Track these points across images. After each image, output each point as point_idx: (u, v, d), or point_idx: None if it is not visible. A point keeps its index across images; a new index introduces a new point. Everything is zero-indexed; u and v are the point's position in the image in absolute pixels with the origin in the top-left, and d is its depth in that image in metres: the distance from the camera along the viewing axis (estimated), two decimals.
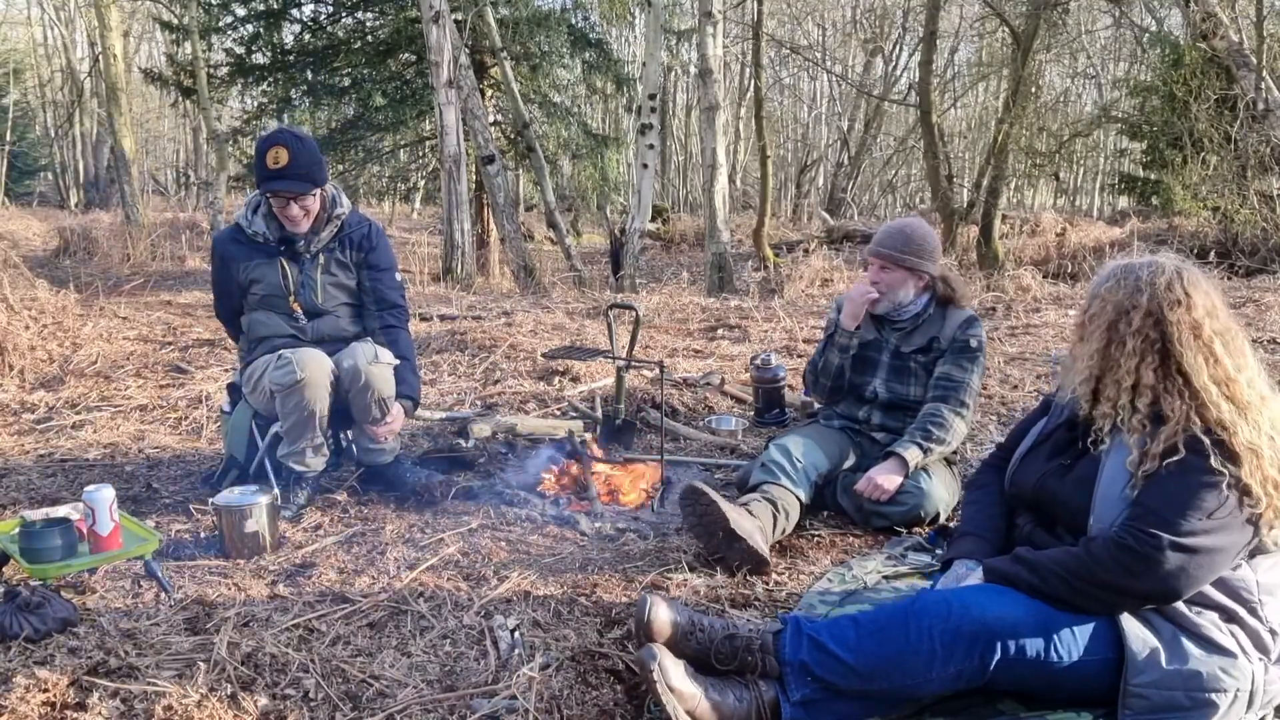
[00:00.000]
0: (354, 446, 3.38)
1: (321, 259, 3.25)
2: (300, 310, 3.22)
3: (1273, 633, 1.85)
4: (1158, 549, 1.77)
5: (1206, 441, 1.79)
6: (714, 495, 2.66)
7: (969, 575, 2.06)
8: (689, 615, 1.98)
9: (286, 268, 3.21)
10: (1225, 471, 1.78)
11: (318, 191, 3.15)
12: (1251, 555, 1.88)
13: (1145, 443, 1.85)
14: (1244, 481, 1.78)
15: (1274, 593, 1.87)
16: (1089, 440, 2.00)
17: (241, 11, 14.05)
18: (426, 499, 3.24)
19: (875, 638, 1.86)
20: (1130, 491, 1.87)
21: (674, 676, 1.81)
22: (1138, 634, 1.83)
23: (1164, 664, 1.79)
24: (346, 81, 13.90)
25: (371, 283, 3.29)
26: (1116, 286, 1.93)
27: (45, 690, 1.90)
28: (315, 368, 2.98)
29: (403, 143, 15.12)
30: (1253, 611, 1.85)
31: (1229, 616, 1.85)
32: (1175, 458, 1.80)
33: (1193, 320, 1.86)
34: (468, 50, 10.90)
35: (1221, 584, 1.85)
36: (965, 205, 12.92)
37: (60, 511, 2.63)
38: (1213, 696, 1.78)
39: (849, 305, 3.21)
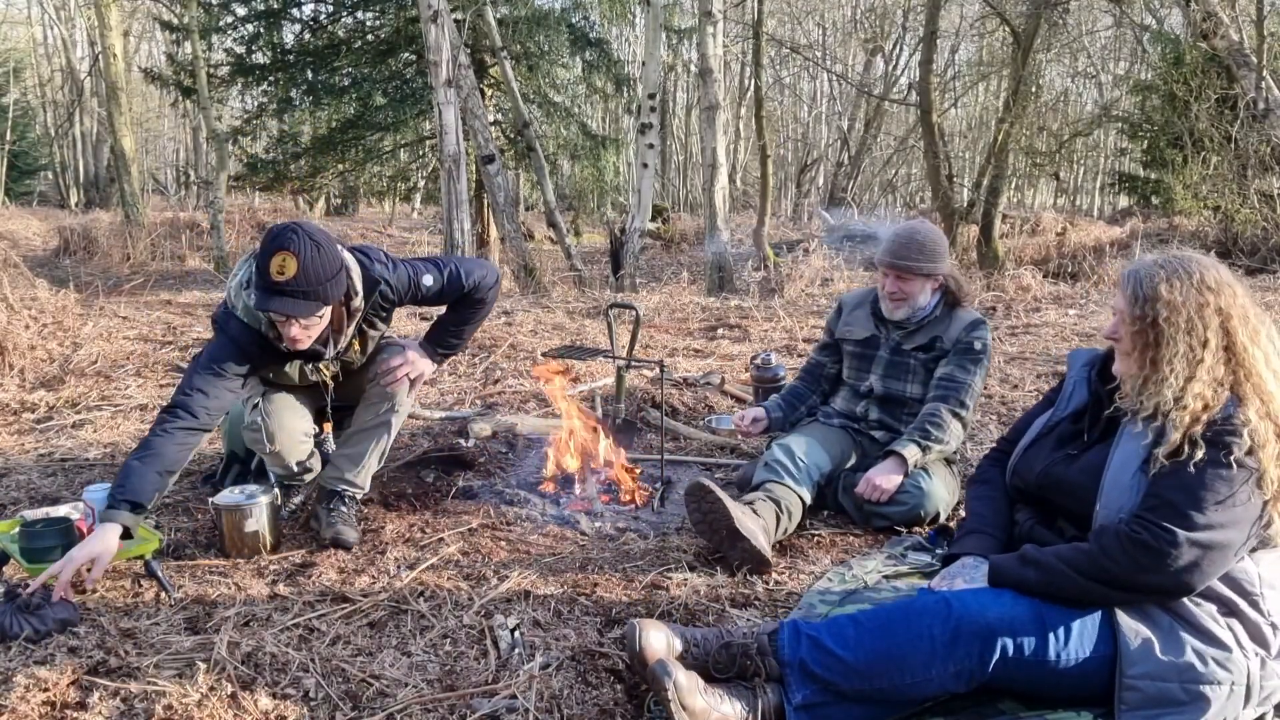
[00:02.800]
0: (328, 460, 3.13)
1: (355, 343, 2.92)
2: (334, 387, 3.02)
3: (1274, 626, 1.85)
4: (1173, 544, 1.77)
5: (1234, 430, 1.79)
6: (719, 493, 2.66)
7: (974, 575, 2.05)
8: (680, 633, 1.97)
9: (321, 368, 2.93)
10: (1243, 463, 1.78)
11: (324, 309, 2.61)
12: (1254, 549, 1.88)
13: (1180, 424, 1.82)
14: (1262, 469, 1.78)
15: (1276, 586, 1.87)
16: (1097, 429, 2.00)
17: (241, 11, 14.07)
18: (423, 503, 3.24)
19: (875, 636, 1.86)
20: (1140, 478, 1.87)
21: (686, 694, 1.81)
22: (1130, 625, 1.83)
23: (1158, 655, 1.80)
24: (347, 81, 13.91)
25: (431, 301, 3.00)
26: (1174, 286, 1.88)
27: (45, 690, 1.90)
28: (285, 437, 2.90)
29: (403, 142, 15.13)
30: (1254, 604, 1.85)
31: (1229, 609, 1.85)
32: (1200, 449, 1.79)
33: (1241, 310, 1.87)
34: (467, 50, 10.90)
35: (1224, 576, 1.85)
36: (965, 205, 12.92)
37: (60, 511, 2.63)
38: (1206, 689, 1.78)
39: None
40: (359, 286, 2.73)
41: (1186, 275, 1.89)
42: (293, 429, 2.92)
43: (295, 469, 3.03)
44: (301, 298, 2.51)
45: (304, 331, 2.62)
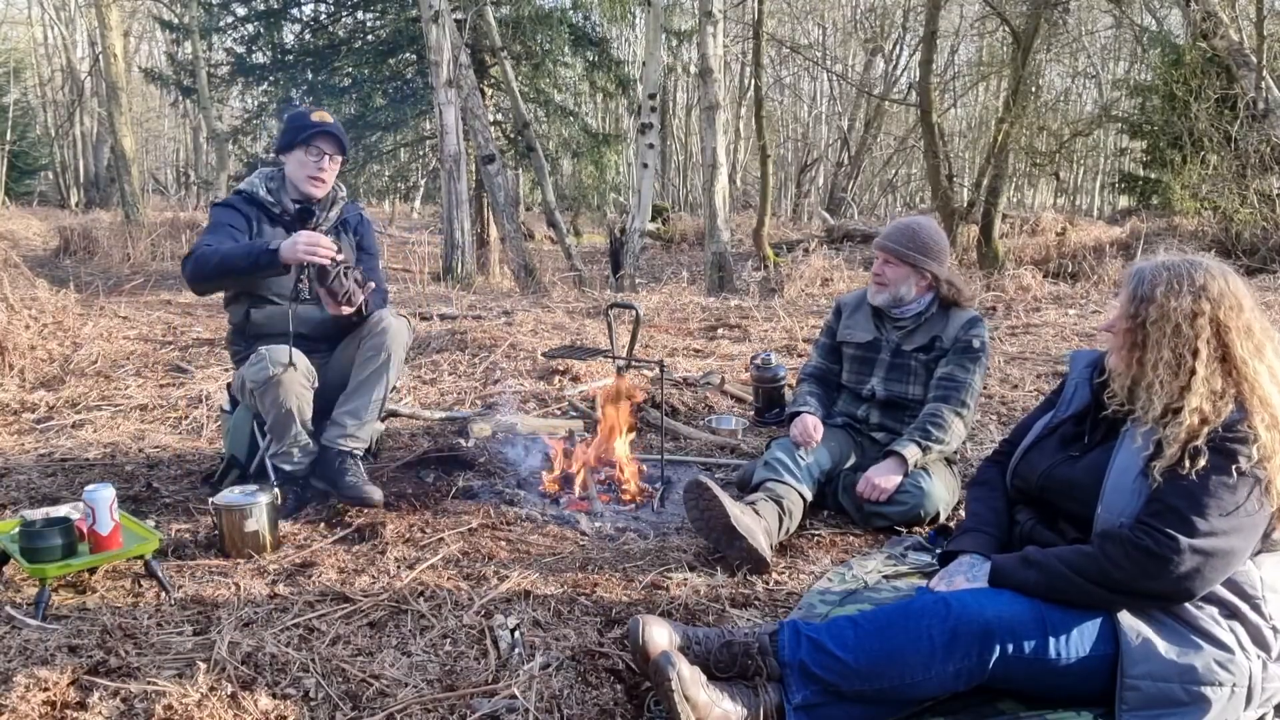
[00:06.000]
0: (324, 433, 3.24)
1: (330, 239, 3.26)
2: (307, 285, 3.18)
3: (1275, 630, 1.85)
4: (1176, 551, 1.77)
5: (1240, 441, 1.78)
6: (717, 490, 2.67)
7: (976, 573, 2.05)
8: (682, 630, 1.97)
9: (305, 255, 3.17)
10: (1248, 472, 1.78)
11: (340, 161, 3.26)
12: (1255, 554, 1.88)
13: (1177, 439, 1.82)
14: (1268, 479, 1.78)
15: (1277, 589, 1.87)
16: (1100, 431, 2.00)
17: (242, 11, 14.09)
18: (422, 500, 3.24)
19: (874, 637, 1.86)
20: (1141, 482, 1.86)
21: (690, 685, 1.81)
22: (1132, 625, 1.83)
23: (1160, 655, 1.80)
24: (347, 81, 13.92)
25: (363, 266, 3.30)
26: (1172, 291, 1.87)
27: (45, 690, 1.90)
28: (289, 366, 2.96)
29: (403, 142, 15.15)
30: (1255, 608, 1.85)
31: (1230, 612, 1.85)
32: (1202, 458, 1.79)
33: (1245, 324, 1.86)
34: (468, 50, 10.90)
35: (1226, 579, 1.85)
36: (965, 205, 12.91)
37: (60, 511, 2.63)
38: (1207, 691, 1.78)
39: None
40: (344, 190, 3.40)
41: (1189, 283, 1.87)
42: (296, 360, 2.99)
43: (295, 416, 3.01)
44: (338, 137, 3.19)
45: (328, 173, 3.22)
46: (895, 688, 1.83)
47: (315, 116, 3.18)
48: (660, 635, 1.91)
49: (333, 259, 2.94)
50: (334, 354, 3.26)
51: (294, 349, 3.02)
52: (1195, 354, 1.84)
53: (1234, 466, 1.78)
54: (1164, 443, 1.84)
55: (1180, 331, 1.86)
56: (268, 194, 3.22)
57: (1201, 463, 1.78)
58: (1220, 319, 1.85)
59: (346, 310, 3.06)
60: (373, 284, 3.11)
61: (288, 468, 3.11)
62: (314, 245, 2.89)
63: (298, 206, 3.23)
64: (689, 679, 1.81)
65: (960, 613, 1.84)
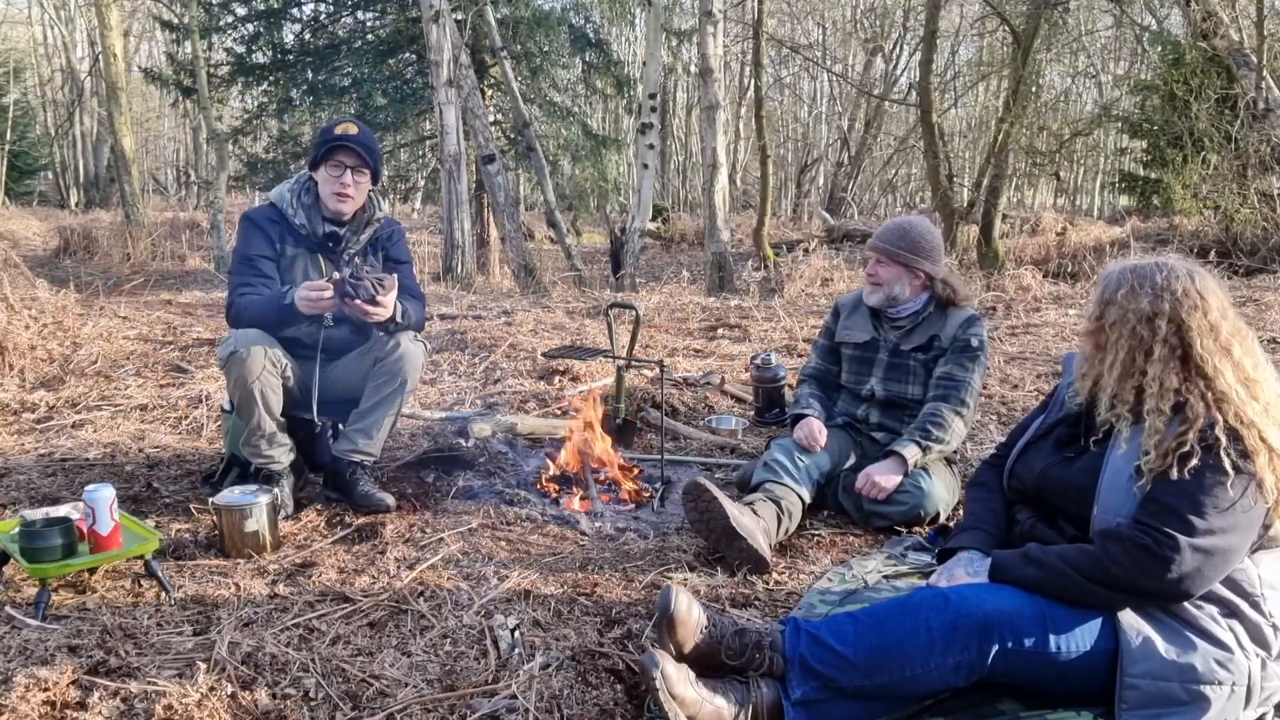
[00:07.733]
0: (335, 440, 3.26)
1: (357, 263, 3.19)
2: (330, 314, 3.10)
3: (1274, 628, 1.85)
4: (1175, 550, 1.77)
5: (1223, 440, 1.79)
6: (716, 492, 2.67)
7: (976, 568, 2.05)
8: (705, 610, 1.99)
9: (325, 267, 3.16)
10: (1241, 469, 1.79)
11: (370, 177, 3.14)
12: (1254, 550, 1.88)
13: (1163, 440, 1.84)
14: (1259, 477, 1.79)
15: (1276, 587, 1.88)
16: (1093, 438, 2.01)
17: (242, 11, 14.08)
18: (422, 502, 3.24)
19: (873, 631, 1.87)
20: (1138, 482, 1.87)
21: (676, 683, 1.81)
22: (1132, 624, 1.83)
23: (1160, 654, 1.80)
24: (347, 81, 13.91)
25: (394, 275, 3.21)
26: (1133, 293, 1.92)
27: (45, 690, 1.90)
28: (254, 346, 2.93)
29: (403, 142, 15.13)
30: (1255, 605, 1.85)
31: (1230, 610, 1.85)
32: (1193, 458, 1.80)
33: (1210, 324, 1.87)
34: (468, 50, 10.90)
35: (1225, 578, 1.85)
36: (965, 205, 12.90)
37: (60, 511, 2.62)
38: (1207, 690, 1.79)
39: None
40: (383, 212, 3.28)
41: (1150, 283, 1.91)
42: (261, 341, 2.96)
43: (258, 401, 2.94)
44: (363, 151, 3.06)
45: (354, 188, 3.09)
46: (895, 681, 1.83)
47: (339, 130, 3.07)
48: (687, 606, 1.93)
49: (343, 284, 2.92)
50: (342, 358, 3.21)
51: (269, 338, 2.98)
52: (1149, 354, 1.88)
53: (1226, 465, 1.79)
54: (1153, 444, 1.85)
55: (1137, 333, 1.90)
56: (296, 211, 3.13)
57: (1193, 463, 1.80)
58: (1182, 319, 1.87)
59: (377, 311, 2.95)
60: (394, 278, 3.01)
61: (258, 461, 3.04)
62: (311, 298, 2.90)
63: (327, 230, 3.15)
64: (675, 677, 1.81)
65: (959, 605, 1.85)
